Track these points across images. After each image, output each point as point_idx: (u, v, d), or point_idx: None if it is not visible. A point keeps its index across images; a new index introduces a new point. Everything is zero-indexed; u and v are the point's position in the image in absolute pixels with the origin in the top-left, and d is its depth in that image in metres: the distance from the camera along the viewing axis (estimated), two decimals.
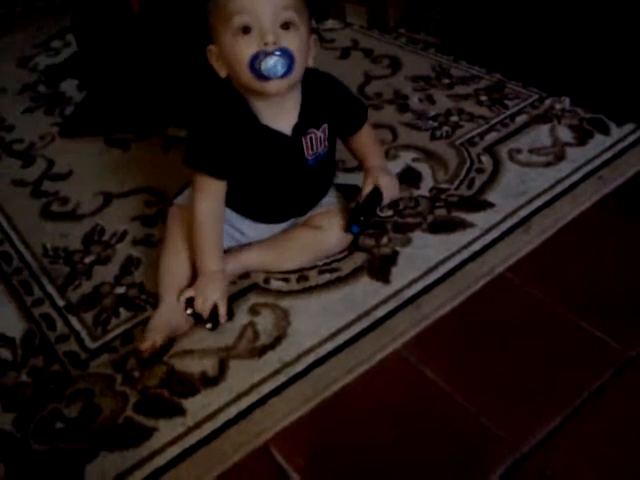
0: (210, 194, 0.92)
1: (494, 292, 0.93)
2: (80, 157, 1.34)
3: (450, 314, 0.91)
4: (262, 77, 0.83)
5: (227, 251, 0.99)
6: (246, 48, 0.82)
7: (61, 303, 0.99)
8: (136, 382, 0.85)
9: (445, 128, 1.28)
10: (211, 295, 0.89)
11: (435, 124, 1.30)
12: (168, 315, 0.90)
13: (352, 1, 1.72)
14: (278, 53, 0.81)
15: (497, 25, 1.40)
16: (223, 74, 0.88)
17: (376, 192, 0.98)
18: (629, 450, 0.73)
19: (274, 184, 0.96)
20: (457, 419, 0.78)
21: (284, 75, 0.83)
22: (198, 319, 0.90)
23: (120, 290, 1.00)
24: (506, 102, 1.34)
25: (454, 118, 1.31)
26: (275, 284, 0.98)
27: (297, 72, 0.85)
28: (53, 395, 0.85)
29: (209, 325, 0.89)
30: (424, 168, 1.18)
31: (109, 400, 0.84)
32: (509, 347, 0.86)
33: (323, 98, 0.93)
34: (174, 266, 0.95)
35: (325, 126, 0.95)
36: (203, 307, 0.89)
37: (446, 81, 1.44)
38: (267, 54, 0.81)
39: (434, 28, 1.65)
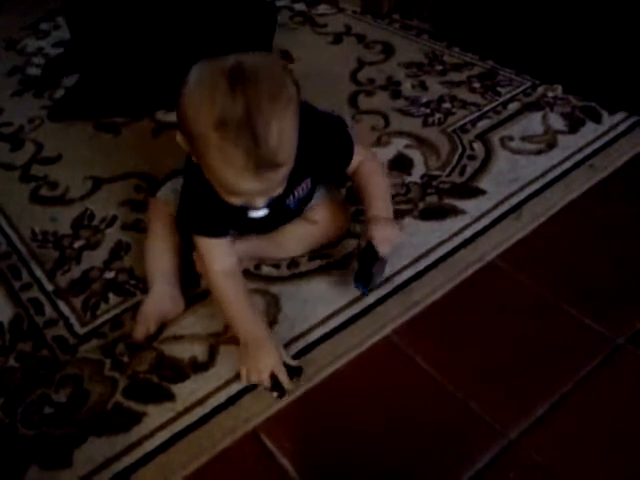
0: (219, 253, 0.86)
1: (485, 279, 0.94)
2: (69, 141, 1.32)
3: (441, 301, 0.91)
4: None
5: None
6: (233, 201, 0.77)
7: (50, 288, 0.99)
8: (125, 367, 0.85)
9: (437, 115, 1.27)
10: (264, 366, 0.80)
11: (427, 111, 1.29)
12: (158, 301, 0.90)
13: None
14: (266, 206, 0.77)
15: (490, 12, 1.39)
16: (194, 160, 0.78)
17: (370, 249, 0.89)
18: (617, 436, 0.73)
19: (257, 225, 0.93)
20: (446, 405, 0.78)
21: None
22: (275, 389, 0.81)
23: (109, 275, 0.99)
24: (499, 89, 1.33)
25: (446, 105, 1.30)
26: (265, 270, 0.98)
27: None
28: (42, 380, 0.85)
29: (275, 394, 0.80)
30: (416, 155, 1.18)
31: (98, 385, 0.83)
32: (499, 334, 0.86)
33: (305, 155, 0.79)
34: (160, 253, 0.95)
35: (308, 180, 0.91)
36: (260, 379, 0.80)
37: (439, 68, 1.43)
38: (255, 208, 0.78)
39: (427, 14, 1.63)
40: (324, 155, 0.88)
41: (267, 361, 0.80)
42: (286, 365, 0.81)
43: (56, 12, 1.87)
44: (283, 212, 0.93)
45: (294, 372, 0.81)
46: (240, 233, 0.97)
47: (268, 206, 0.79)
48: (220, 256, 0.86)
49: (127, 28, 1.32)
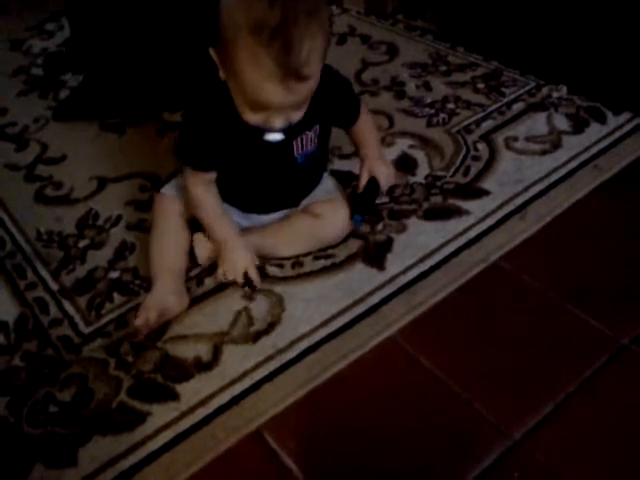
0: (202, 183, 0.93)
1: (489, 279, 0.93)
2: (74, 141, 1.33)
3: (445, 301, 0.91)
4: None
5: None
6: (251, 117, 0.81)
7: (55, 287, 0.99)
8: (130, 367, 0.85)
9: (442, 115, 1.27)
10: (237, 264, 0.92)
11: (432, 111, 1.29)
12: (161, 296, 0.90)
13: None
14: (282, 132, 0.82)
15: (495, 12, 1.39)
16: (222, 77, 0.83)
17: (373, 182, 0.98)
18: (621, 437, 0.73)
19: (263, 179, 0.96)
20: (450, 405, 0.78)
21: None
22: (246, 285, 0.94)
23: (114, 275, 1.00)
24: (503, 90, 1.33)
25: (451, 105, 1.30)
26: (270, 270, 0.98)
27: None
28: (47, 379, 0.85)
29: (247, 289, 0.93)
30: (420, 155, 1.18)
31: (103, 384, 0.83)
32: (503, 334, 0.86)
33: (318, 98, 0.85)
34: (164, 250, 0.96)
35: (317, 127, 0.93)
36: (235, 276, 0.93)
37: (443, 68, 1.43)
38: (272, 130, 0.82)
39: (431, 15, 1.64)
40: (334, 103, 0.93)
41: (241, 261, 0.92)
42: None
43: (61, 13, 1.88)
44: (291, 166, 0.94)
45: (261, 273, 0.94)
46: (243, 209, 0.99)
47: (284, 132, 0.83)
48: (202, 184, 0.93)
49: (131, 29, 1.32)
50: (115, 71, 1.37)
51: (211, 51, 0.81)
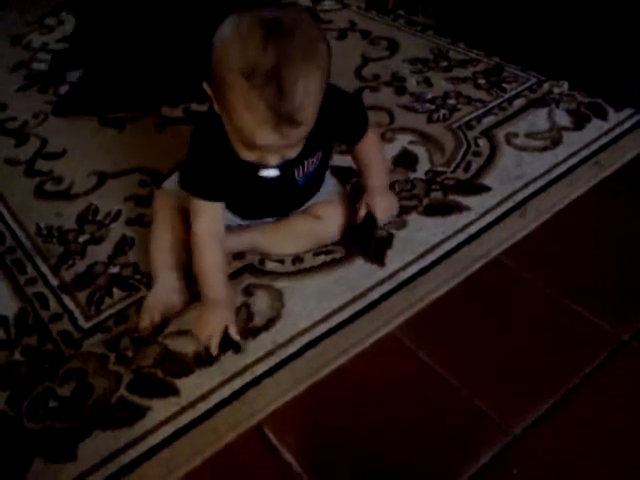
0: (208, 216, 0.88)
1: (489, 275, 0.93)
2: (74, 136, 1.32)
3: (445, 297, 0.91)
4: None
5: (227, 228, 0.98)
6: (246, 154, 0.79)
7: (55, 282, 0.99)
8: (130, 362, 0.85)
9: (442, 111, 1.27)
10: (208, 326, 0.85)
11: (432, 107, 1.29)
12: (163, 294, 0.90)
13: None
14: (277, 168, 0.80)
15: (496, 8, 1.38)
16: (217, 111, 0.79)
17: (370, 218, 0.96)
18: (621, 432, 0.73)
19: (263, 200, 0.95)
20: (450, 401, 0.78)
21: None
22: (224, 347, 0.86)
23: (114, 270, 1.00)
24: (504, 85, 1.33)
25: (452, 101, 1.30)
26: (270, 265, 0.98)
27: None
28: (46, 374, 0.85)
29: (230, 351, 0.85)
30: (420, 151, 1.18)
31: (102, 379, 0.83)
32: (503, 330, 0.86)
33: (321, 126, 0.80)
34: (165, 246, 0.95)
35: (319, 153, 0.91)
36: (203, 338, 0.85)
37: (444, 64, 1.42)
38: (267, 166, 0.80)
39: (432, 10, 1.63)
40: (339, 125, 0.89)
41: (212, 324, 0.85)
42: (227, 338, 0.85)
43: (61, 7, 1.88)
44: (291, 187, 0.92)
45: (230, 344, 0.85)
46: (243, 217, 0.98)
47: (280, 169, 0.80)
48: (208, 219, 0.88)
49: (133, 23, 1.32)
50: (115, 66, 1.37)
51: (205, 85, 0.79)
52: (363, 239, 0.96)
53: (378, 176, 0.99)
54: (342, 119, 0.89)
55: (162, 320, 0.89)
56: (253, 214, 0.99)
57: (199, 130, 0.87)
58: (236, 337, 0.85)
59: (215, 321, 0.85)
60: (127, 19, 1.32)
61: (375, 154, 0.99)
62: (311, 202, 1.00)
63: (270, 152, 0.77)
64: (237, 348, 0.85)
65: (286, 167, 0.84)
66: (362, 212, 0.97)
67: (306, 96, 0.71)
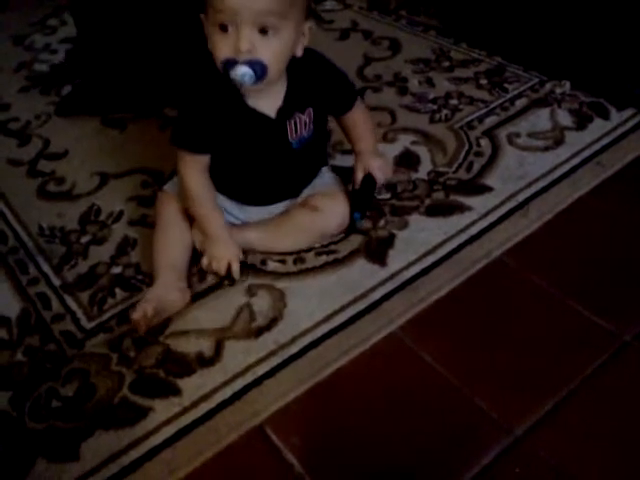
0: (195, 169, 0.93)
1: (491, 275, 0.93)
2: (76, 137, 1.33)
3: (447, 297, 0.91)
4: (233, 81, 0.83)
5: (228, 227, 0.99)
6: (221, 49, 0.81)
7: (57, 282, 0.99)
8: (132, 362, 0.85)
9: (444, 111, 1.27)
10: (222, 256, 0.94)
11: (434, 107, 1.29)
12: (163, 291, 0.90)
13: None
14: (247, 64, 0.80)
15: (498, 8, 1.38)
16: (210, 45, 0.86)
17: (369, 178, 0.98)
18: (623, 432, 0.73)
19: (258, 165, 0.96)
20: (452, 401, 0.78)
21: (254, 84, 0.82)
22: (226, 278, 0.96)
23: (116, 270, 1.00)
24: (506, 85, 1.33)
25: (454, 101, 1.30)
26: (272, 265, 0.98)
27: (273, 74, 0.83)
28: (49, 374, 0.85)
29: (227, 282, 0.95)
30: (423, 151, 1.17)
31: (105, 380, 0.84)
32: (505, 330, 0.86)
33: (309, 82, 0.91)
34: (166, 246, 0.96)
35: (310, 110, 0.93)
36: (218, 268, 0.95)
37: (446, 64, 1.42)
38: (236, 63, 0.80)
39: (434, 10, 1.63)
40: (327, 87, 0.94)
41: (226, 253, 0.95)
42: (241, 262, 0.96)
43: (63, 8, 1.88)
44: (285, 151, 0.94)
45: (245, 266, 0.97)
46: (241, 200, 0.99)
47: (255, 80, 0.81)
48: (196, 172, 0.93)
49: (134, 26, 1.32)
50: (117, 67, 1.37)
51: (201, 17, 0.85)
52: (365, 202, 0.98)
53: (369, 140, 1.03)
54: (330, 82, 0.95)
55: (157, 316, 0.88)
56: (251, 193, 1.00)
57: (187, 88, 0.92)
58: (235, 272, 0.95)
59: (229, 250, 0.95)
60: (130, 22, 1.32)
61: (364, 121, 1.03)
62: (309, 192, 1.01)
63: (240, 25, 0.78)
64: (232, 281, 0.95)
65: (279, 116, 0.90)
66: (359, 175, 1.00)
67: None
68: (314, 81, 0.92)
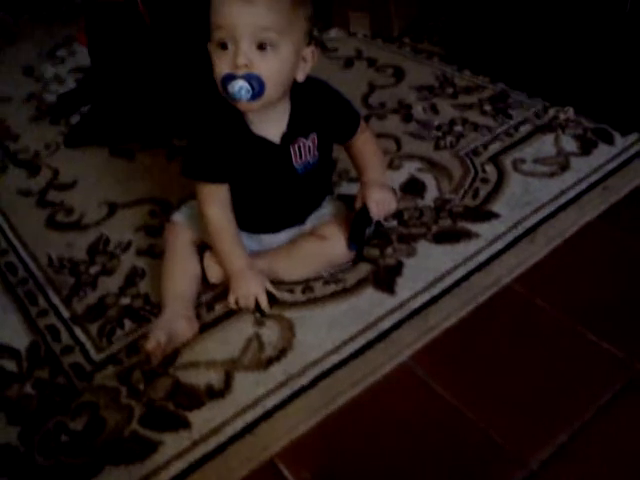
0: (215, 200, 0.93)
1: (501, 303, 0.93)
2: (85, 167, 1.34)
3: (457, 325, 0.90)
4: (230, 97, 0.83)
5: None
6: (220, 65, 0.83)
7: (66, 314, 0.99)
8: (141, 395, 0.85)
9: (449, 138, 1.28)
10: (248, 292, 0.93)
11: (439, 134, 1.29)
12: (171, 321, 0.91)
13: (356, 10, 1.73)
14: (244, 79, 0.81)
15: (501, 35, 1.40)
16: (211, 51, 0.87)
17: (363, 211, 0.95)
18: (639, 465, 0.72)
19: (264, 191, 0.97)
20: (464, 432, 0.77)
21: (251, 99, 0.83)
22: (257, 311, 0.95)
23: (125, 301, 1.00)
24: (510, 112, 1.34)
25: (458, 128, 1.31)
26: (280, 295, 0.97)
27: (271, 94, 0.84)
28: (58, 408, 0.85)
29: (258, 315, 0.94)
30: (428, 178, 1.18)
31: (114, 413, 0.83)
32: (516, 359, 0.85)
33: (312, 107, 0.93)
34: (174, 277, 0.96)
35: (314, 136, 0.94)
36: (246, 304, 0.94)
37: (450, 91, 1.44)
38: (234, 78, 0.81)
39: (438, 38, 1.65)
40: (331, 113, 0.95)
41: (252, 289, 0.93)
42: (268, 292, 0.95)
43: (73, 39, 1.91)
44: (290, 177, 0.95)
45: (272, 299, 0.95)
46: (248, 229, 0.99)
47: (253, 95, 0.82)
48: (217, 203, 0.93)
49: (146, 57, 1.34)
50: (128, 98, 1.38)
51: (209, 46, 0.86)
52: (357, 235, 0.96)
53: (373, 170, 1.00)
54: (333, 107, 0.95)
55: (170, 344, 0.89)
56: (258, 221, 1.00)
57: (194, 121, 0.93)
58: (264, 306, 0.94)
59: (254, 283, 0.94)
60: (141, 52, 1.34)
61: (370, 149, 1.02)
62: (316, 221, 1.02)
63: (239, 40, 0.80)
64: (275, 300, 0.95)
65: (283, 140, 0.91)
66: (357, 205, 0.98)
67: None
68: (317, 107, 0.93)
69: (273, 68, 0.82)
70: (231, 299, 0.94)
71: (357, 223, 0.96)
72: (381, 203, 0.96)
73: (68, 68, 1.76)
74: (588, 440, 0.74)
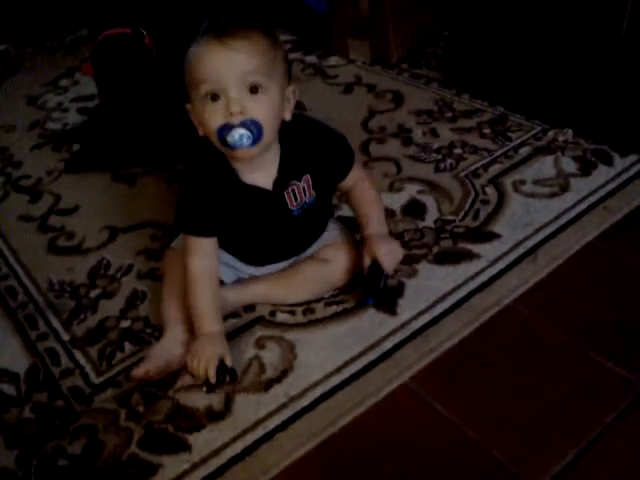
0: (200, 252, 0.91)
1: (503, 323, 0.92)
2: (86, 192, 1.35)
3: (458, 346, 0.90)
4: (230, 147, 0.82)
5: (236, 281, 1.00)
6: (214, 118, 0.81)
7: (66, 337, 0.99)
8: (141, 417, 0.84)
9: (449, 160, 1.29)
10: (203, 356, 0.86)
11: (439, 157, 1.30)
12: (169, 346, 0.90)
13: (355, 38, 1.75)
14: (243, 126, 0.80)
15: (499, 59, 1.42)
16: (200, 133, 0.86)
17: (376, 266, 0.95)
18: None
19: (261, 234, 0.96)
20: (468, 453, 0.76)
21: (252, 145, 0.82)
22: (204, 384, 0.88)
23: (125, 324, 1.00)
24: (509, 134, 1.35)
25: (458, 150, 1.32)
26: (281, 317, 0.97)
27: (268, 136, 0.83)
28: (57, 431, 0.84)
29: (204, 388, 0.87)
30: (429, 200, 1.18)
31: (113, 436, 0.82)
32: (519, 379, 0.84)
33: (303, 148, 0.90)
34: (174, 303, 0.95)
35: (307, 177, 0.92)
36: (197, 370, 0.86)
37: (449, 114, 1.45)
38: (232, 127, 0.80)
39: (436, 63, 1.67)
40: (322, 151, 0.92)
41: (207, 354, 0.86)
42: (223, 366, 0.86)
43: (75, 69, 1.94)
44: (287, 218, 0.94)
45: (227, 372, 0.86)
46: (247, 261, 0.99)
47: (253, 140, 0.81)
48: (201, 255, 0.91)
49: (153, 87, 1.36)
50: (132, 126, 1.40)
51: (187, 107, 0.87)
52: (373, 289, 0.94)
53: (375, 222, 0.99)
54: (321, 144, 0.93)
55: (160, 374, 0.88)
56: (257, 256, 1.00)
57: (184, 175, 0.94)
58: (231, 364, 0.86)
59: (211, 351, 0.86)
60: (148, 82, 1.36)
61: (370, 199, 1.00)
62: (316, 247, 1.01)
63: (228, 93, 0.79)
64: (233, 376, 0.87)
65: (276, 186, 0.90)
66: (367, 262, 0.96)
67: (247, 32, 0.81)
68: (307, 147, 0.91)
69: (267, 110, 0.82)
70: (187, 359, 0.88)
71: (371, 279, 0.95)
72: (390, 255, 0.96)
73: (71, 97, 1.79)
74: (593, 459, 0.73)
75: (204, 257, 0.91)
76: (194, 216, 0.91)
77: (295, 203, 0.93)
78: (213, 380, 0.85)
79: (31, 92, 1.85)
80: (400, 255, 0.98)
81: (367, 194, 1.00)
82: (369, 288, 0.94)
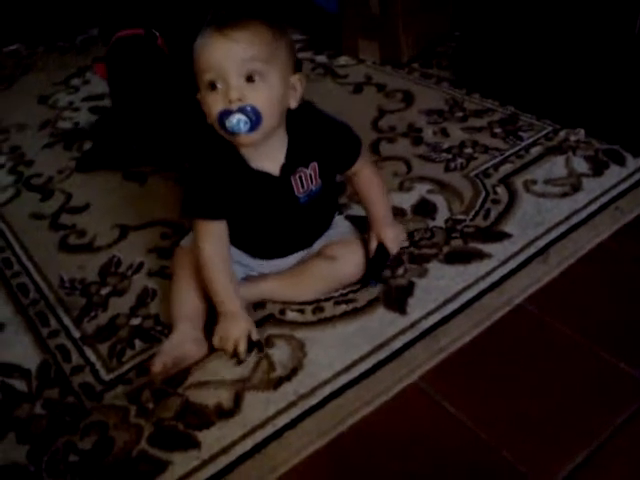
0: (211, 236, 0.92)
1: (513, 323, 0.92)
2: (97, 190, 1.35)
3: (469, 345, 0.89)
4: (230, 133, 0.84)
5: (245, 279, 1.00)
6: (214, 105, 0.83)
7: (77, 334, 0.99)
8: (150, 414, 0.84)
9: (459, 160, 1.28)
10: (230, 335, 0.90)
11: (449, 156, 1.30)
12: (180, 342, 0.91)
13: (365, 38, 1.75)
14: (241, 112, 0.81)
15: (510, 58, 1.41)
16: (209, 121, 0.88)
17: (381, 248, 1.00)
18: None
19: (268, 222, 0.96)
20: (478, 453, 0.76)
21: (250, 131, 0.83)
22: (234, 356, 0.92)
23: (135, 321, 1.00)
24: (520, 134, 1.34)
25: (468, 150, 1.31)
26: (291, 315, 0.97)
27: (268, 122, 0.84)
28: (67, 427, 0.84)
29: (235, 360, 0.91)
30: (439, 199, 1.18)
31: (123, 432, 0.83)
32: (530, 379, 0.84)
33: (310, 136, 0.92)
34: (183, 299, 0.96)
35: (314, 164, 0.94)
36: (225, 348, 0.91)
37: (459, 114, 1.45)
38: (230, 112, 0.82)
39: (447, 63, 1.67)
40: (329, 140, 0.94)
41: (234, 333, 0.90)
42: (250, 340, 0.91)
43: (86, 69, 1.95)
44: (293, 207, 0.94)
45: (255, 345, 0.92)
46: (253, 254, 0.99)
47: (251, 126, 0.83)
48: (212, 239, 0.93)
49: (164, 85, 1.37)
50: (144, 126, 1.40)
51: (198, 97, 0.88)
52: (378, 272, 0.99)
53: (380, 207, 1.02)
54: (328, 133, 0.94)
55: (175, 367, 0.89)
56: (264, 248, 1.00)
57: (191, 161, 0.94)
58: (240, 353, 0.90)
59: (238, 328, 0.91)
60: (159, 80, 1.37)
61: (375, 184, 1.02)
62: (324, 242, 1.01)
63: (228, 80, 0.81)
64: (261, 347, 0.92)
65: (283, 172, 0.91)
66: (373, 245, 1.00)
67: (248, 23, 0.82)
68: (315, 135, 0.92)
69: (265, 97, 0.83)
70: (215, 339, 0.92)
71: (377, 261, 0.99)
72: (395, 238, 1.01)
73: (82, 96, 1.80)
74: (603, 460, 0.73)
75: (215, 242, 0.92)
76: (202, 199, 0.92)
77: (302, 190, 0.94)
78: (244, 357, 0.90)
79: (42, 91, 1.86)
80: (403, 237, 1.05)
81: (372, 179, 1.02)
82: (374, 270, 0.98)
